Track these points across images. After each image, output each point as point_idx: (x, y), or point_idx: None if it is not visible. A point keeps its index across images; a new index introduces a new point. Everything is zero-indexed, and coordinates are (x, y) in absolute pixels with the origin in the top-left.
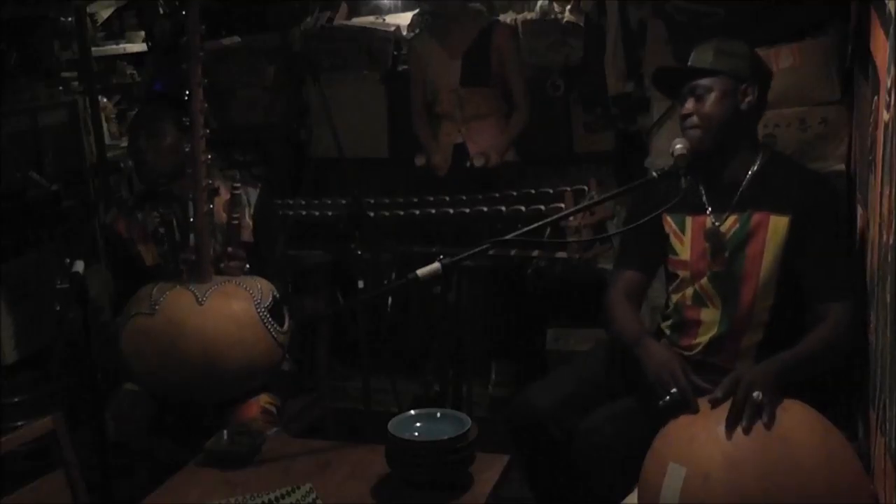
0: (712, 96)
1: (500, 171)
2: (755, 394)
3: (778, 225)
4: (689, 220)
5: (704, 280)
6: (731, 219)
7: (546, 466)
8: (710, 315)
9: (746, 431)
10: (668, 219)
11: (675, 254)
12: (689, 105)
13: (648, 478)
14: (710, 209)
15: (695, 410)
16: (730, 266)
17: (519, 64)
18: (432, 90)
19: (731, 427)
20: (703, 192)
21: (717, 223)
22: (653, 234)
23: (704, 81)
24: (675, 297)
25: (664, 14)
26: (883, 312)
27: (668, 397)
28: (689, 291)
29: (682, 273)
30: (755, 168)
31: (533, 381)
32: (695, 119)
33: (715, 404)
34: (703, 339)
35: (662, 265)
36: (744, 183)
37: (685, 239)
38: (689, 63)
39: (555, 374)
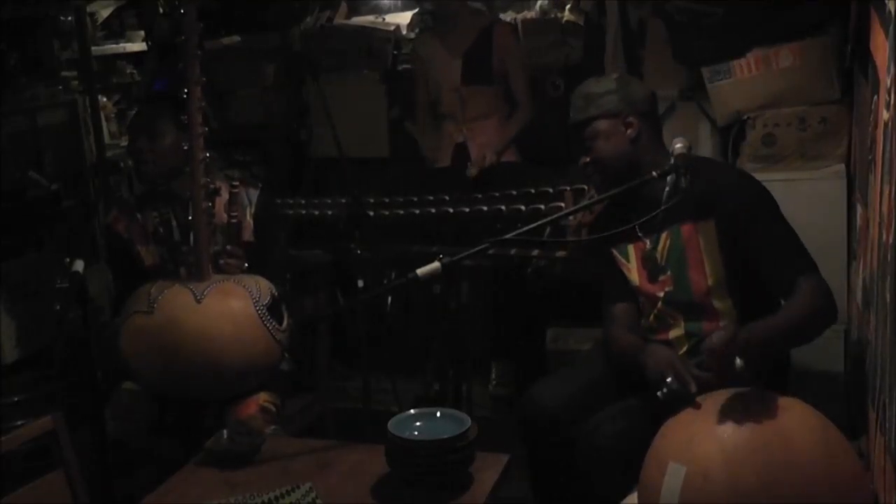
0: (598, 142)
1: (500, 170)
2: (737, 362)
3: (707, 230)
4: (630, 249)
5: (660, 303)
6: (664, 237)
7: (550, 465)
8: (676, 332)
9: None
10: (614, 252)
11: (631, 282)
12: (586, 157)
13: (648, 478)
14: (641, 234)
15: (692, 399)
16: (677, 283)
17: (520, 62)
18: (435, 90)
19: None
20: (632, 219)
21: (651, 246)
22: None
23: (587, 132)
24: (644, 322)
25: (664, 14)
26: (883, 312)
27: (665, 388)
28: (652, 315)
29: (641, 299)
30: (669, 183)
31: (540, 378)
32: (590, 168)
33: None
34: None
35: None
36: (663, 200)
37: (632, 267)
38: (569, 119)
39: (562, 371)
